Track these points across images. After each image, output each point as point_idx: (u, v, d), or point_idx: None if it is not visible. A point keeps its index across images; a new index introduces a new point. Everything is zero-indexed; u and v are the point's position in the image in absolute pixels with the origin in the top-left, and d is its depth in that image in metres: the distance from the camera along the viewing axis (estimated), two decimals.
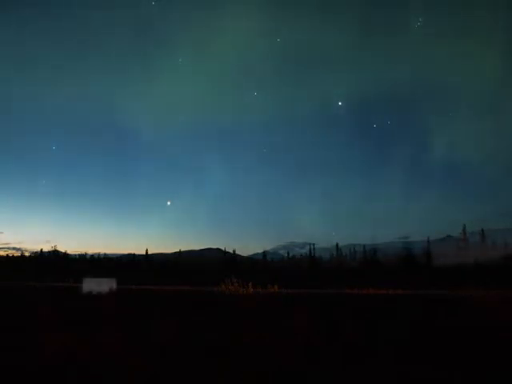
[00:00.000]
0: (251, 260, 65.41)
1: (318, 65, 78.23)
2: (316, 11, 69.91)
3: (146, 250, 56.73)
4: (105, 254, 61.30)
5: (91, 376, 3.11)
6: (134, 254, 58.99)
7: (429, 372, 3.31)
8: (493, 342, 4.76)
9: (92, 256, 60.00)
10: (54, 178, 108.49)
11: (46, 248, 62.63)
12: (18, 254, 62.86)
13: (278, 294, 15.56)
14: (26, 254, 62.27)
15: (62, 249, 68.56)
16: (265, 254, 57.93)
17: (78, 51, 77.99)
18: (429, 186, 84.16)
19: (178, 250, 61.27)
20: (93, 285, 16.03)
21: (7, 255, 61.27)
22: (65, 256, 59.08)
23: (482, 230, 43.98)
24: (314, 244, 50.60)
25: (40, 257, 58.37)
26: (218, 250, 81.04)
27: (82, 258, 60.24)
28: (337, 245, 53.24)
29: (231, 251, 56.02)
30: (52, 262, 53.41)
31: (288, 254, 60.11)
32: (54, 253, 58.48)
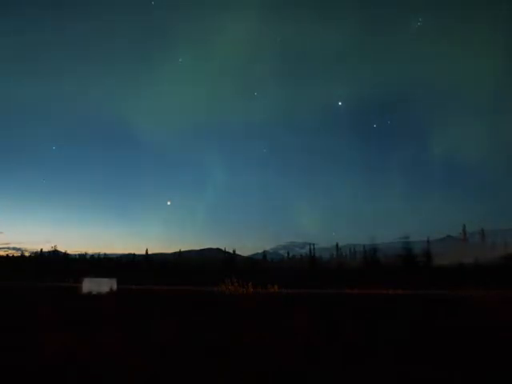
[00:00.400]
0: (251, 260, 65.36)
1: (318, 65, 78.28)
2: (316, 11, 69.98)
3: (146, 250, 56.80)
4: (105, 254, 61.33)
5: (91, 376, 3.11)
6: (133, 254, 59.00)
7: (429, 372, 3.31)
8: (493, 342, 4.75)
9: (92, 256, 60.01)
10: (54, 177, 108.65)
11: (46, 248, 62.78)
12: (18, 254, 62.93)
13: (278, 294, 15.54)
14: (26, 254, 62.33)
15: (62, 249, 68.71)
16: (265, 253, 57.98)
17: (78, 51, 78.09)
18: (429, 186, 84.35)
19: (178, 249, 61.33)
20: (93, 285, 16.01)
21: (7, 255, 61.30)
22: (65, 256, 59.03)
23: (482, 230, 44.01)
24: (313, 244, 50.63)
25: (40, 257, 58.32)
26: (218, 249, 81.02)
27: (82, 258, 60.21)
28: (337, 245, 53.33)
29: (231, 251, 56.01)
30: (52, 262, 53.34)
31: (288, 254, 60.21)
32: (54, 253, 58.46)
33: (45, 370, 3.24)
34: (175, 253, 62.21)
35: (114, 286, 16.80)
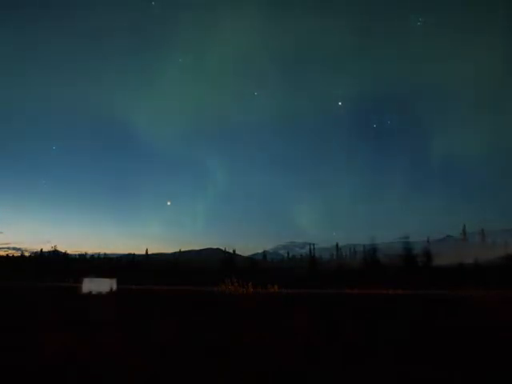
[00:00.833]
0: (251, 260, 65.38)
1: (318, 65, 78.32)
2: (316, 11, 69.96)
3: (146, 250, 56.99)
4: (105, 254, 61.41)
5: (91, 376, 3.11)
6: (133, 254, 59.08)
7: (429, 372, 3.31)
8: (493, 342, 4.75)
9: (92, 256, 60.09)
10: (53, 178, 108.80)
11: (46, 248, 62.90)
12: (18, 254, 63.03)
13: (278, 294, 15.53)
14: (26, 254, 62.43)
15: (62, 249, 68.79)
16: (265, 253, 58.00)
17: (78, 52, 78.07)
18: (429, 186, 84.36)
19: (178, 249, 61.41)
20: (93, 285, 16.00)
21: (7, 255, 61.37)
22: (65, 256, 59.09)
23: (482, 230, 44.00)
24: (314, 244, 50.78)
25: (40, 257, 58.41)
26: (218, 250, 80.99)
27: (82, 258, 60.33)
28: (337, 245, 53.44)
29: (231, 251, 56.05)
30: (52, 262, 53.37)
31: (288, 254, 60.28)
32: (54, 253, 58.52)
33: (45, 370, 3.24)
34: (175, 253, 62.27)
35: (114, 286, 16.80)
